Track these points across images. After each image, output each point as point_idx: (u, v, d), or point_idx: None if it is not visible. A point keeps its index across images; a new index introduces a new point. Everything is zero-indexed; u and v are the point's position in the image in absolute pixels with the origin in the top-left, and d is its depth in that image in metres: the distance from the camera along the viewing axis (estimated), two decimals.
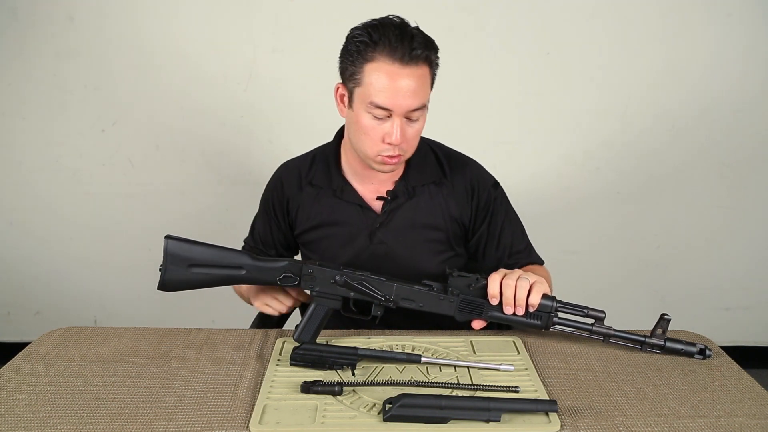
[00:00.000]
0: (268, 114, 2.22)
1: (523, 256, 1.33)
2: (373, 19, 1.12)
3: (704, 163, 2.29)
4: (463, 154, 1.35)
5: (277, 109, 2.22)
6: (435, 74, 1.15)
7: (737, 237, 2.38)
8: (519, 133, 2.27)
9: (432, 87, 1.16)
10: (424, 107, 1.13)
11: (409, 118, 1.12)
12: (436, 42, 1.13)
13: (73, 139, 2.24)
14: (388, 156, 1.14)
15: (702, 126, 2.25)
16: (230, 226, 2.32)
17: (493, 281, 1.07)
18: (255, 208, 1.40)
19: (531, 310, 1.07)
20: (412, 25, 1.12)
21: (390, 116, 1.11)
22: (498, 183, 1.34)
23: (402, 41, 1.07)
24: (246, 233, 1.44)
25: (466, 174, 1.30)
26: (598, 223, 2.36)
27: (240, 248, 1.38)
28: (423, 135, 1.34)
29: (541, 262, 1.35)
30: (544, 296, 1.07)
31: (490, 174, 1.34)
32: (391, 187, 1.27)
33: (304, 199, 1.30)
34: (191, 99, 2.21)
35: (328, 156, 1.30)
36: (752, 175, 2.31)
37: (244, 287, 1.27)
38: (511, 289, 1.06)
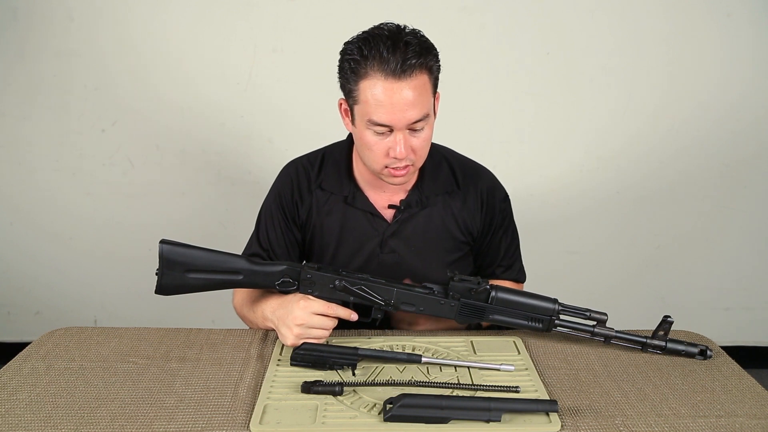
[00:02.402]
0: (268, 114, 2.22)
1: (506, 271, 1.34)
2: (364, 31, 1.08)
3: (704, 163, 2.29)
4: (476, 163, 1.34)
5: (277, 109, 2.22)
6: (437, 78, 1.12)
7: (737, 237, 2.38)
8: (518, 133, 2.27)
9: (435, 91, 1.13)
10: (427, 116, 1.09)
11: (412, 130, 1.09)
12: (437, 41, 1.12)
13: (73, 139, 2.24)
14: (395, 168, 1.13)
15: (702, 126, 2.25)
16: (230, 226, 2.33)
17: None
18: (255, 208, 1.37)
19: None
20: (411, 27, 1.08)
21: (392, 131, 1.08)
22: (508, 196, 1.33)
23: (395, 52, 1.03)
24: (246, 232, 1.37)
25: (478, 184, 1.29)
26: (598, 224, 2.36)
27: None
28: (434, 142, 1.35)
29: (521, 281, 1.37)
30: (546, 299, 1.07)
31: (501, 186, 1.33)
32: (404, 196, 1.25)
33: (314, 202, 1.27)
34: (191, 99, 2.21)
35: (338, 160, 1.27)
36: (752, 175, 2.31)
37: (258, 318, 1.16)
38: None
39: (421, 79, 1.06)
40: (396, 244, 1.25)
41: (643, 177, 2.31)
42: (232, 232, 2.29)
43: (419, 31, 1.10)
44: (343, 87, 1.12)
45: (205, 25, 2.13)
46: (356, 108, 1.10)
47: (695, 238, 2.38)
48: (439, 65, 1.11)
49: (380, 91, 1.04)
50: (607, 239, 2.38)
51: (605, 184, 2.31)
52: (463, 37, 2.14)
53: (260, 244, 1.29)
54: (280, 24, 2.13)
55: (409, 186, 1.26)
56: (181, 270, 1.03)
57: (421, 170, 1.26)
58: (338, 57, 1.11)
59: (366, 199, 1.25)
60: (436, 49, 1.10)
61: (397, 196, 1.25)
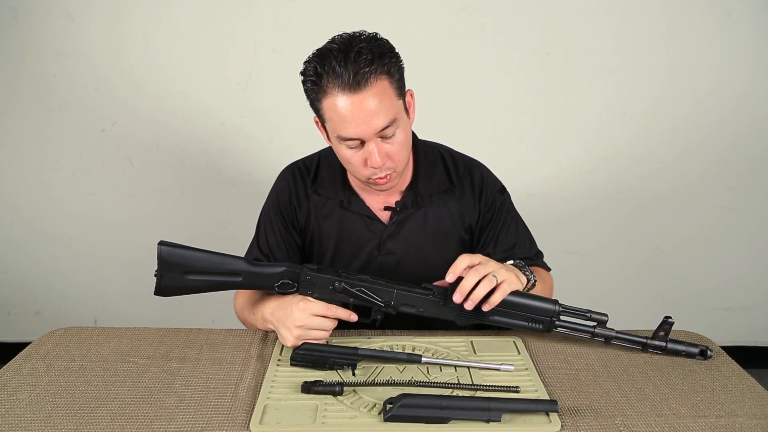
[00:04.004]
0: (267, 114, 2.23)
1: (531, 262, 1.29)
2: (318, 48, 1.08)
3: (704, 163, 2.29)
4: (471, 158, 1.33)
5: (277, 109, 2.22)
6: (400, 79, 1.09)
7: (737, 237, 2.38)
8: (518, 133, 2.27)
9: (402, 93, 1.11)
10: (395, 121, 1.07)
11: (383, 137, 1.08)
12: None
13: (73, 139, 2.24)
14: (378, 178, 1.13)
15: (702, 126, 2.25)
16: (230, 226, 2.33)
17: (461, 261, 1.00)
18: (254, 208, 1.37)
19: (485, 309, 1.01)
20: (367, 34, 1.07)
21: (363, 142, 1.08)
22: (505, 188, 1.33)
23: (346, 66, 1.01)
24: (246, 232, 1.38)
25: (473, 177, 1.29)
26: (598, 224, 2.36)
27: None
28: (434, 140, 1.34)
29: (548, 269, 1.34)
30: (547, 300, 1.06)
31: (497, 178, 1.33)
32: (399, 198, 1.25)
33: (312, 207, 1.27)
34: (191, 99, 2.21)
35: (333, 164, 1.27)
36: (752, 175, 2.31)
37: (258, 320, 1.16)
38: (471, 281, 0.99)
39: (380, 86, 1.04)
40: (394, 245, 1.25)
41: (643, 177, 2.31)
42: (232, 233, 2.29)
43: (375, 35, 1.08)
44: (311, 106, 1.12)
45: (205, 25, 2.13)
46: (326, 125, 1.11)
47: (695, 238, 2.38)
48: (400, 65, 1.09)
49: (341, 107, 1.04)
50: (607, 239, 2.38)
51: (605, 184, 2.31)
52: (463, 37, 2.14)
53: (260, 250, 1.30)
54: (280, 24, 2.13)
55: (404, 187, 1.26)
56: (180, 272, 1.02)
57: (416, 170, 1.26)
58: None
59: (362, 202, 1.25)
60: (392, 51, 1.08)
61: (393, 198, 1.26)
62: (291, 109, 2.21)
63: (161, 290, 1.04)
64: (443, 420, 0.87)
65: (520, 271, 1.10)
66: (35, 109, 2.20)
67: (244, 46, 2.15)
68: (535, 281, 1.12)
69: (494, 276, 1.00)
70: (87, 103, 2.20)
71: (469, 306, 1.01)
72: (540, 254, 1.34)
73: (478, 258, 1.02)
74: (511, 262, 1.12)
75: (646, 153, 2.28)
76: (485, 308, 1.01)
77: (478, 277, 0.99)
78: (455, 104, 2.18)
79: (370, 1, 2.08)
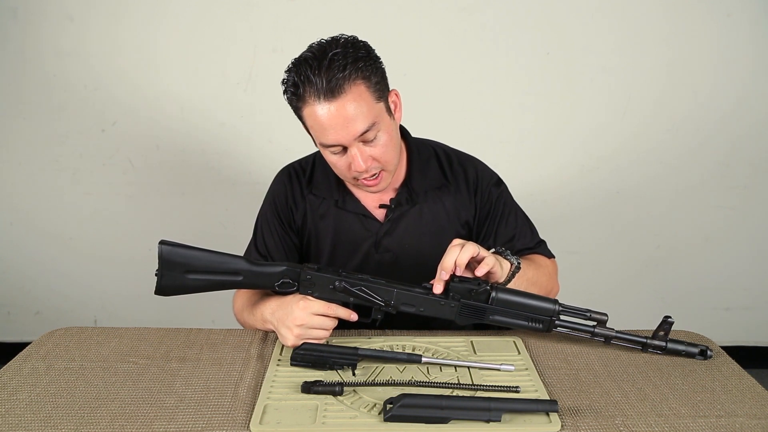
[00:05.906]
0: (267, 114, 2.22)
1: (531, 251, 1.29)
2: (295, 58, 1.09)
3: (704, 163, 2.29)
4: (466, 154, 1.33)
5: (277, 109, 2.18)
6: (378, 82, 1.08)
7: (737, 237, 2.38)
8: (518, 133, 2.27)
9: (382, 95, 1.09)
10: (374, 125, 1.07)
11: (365, 141, 1.09)
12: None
13: (73, 139, 2.24)
14: (365, 179, 1.13)
15: (702, 126, 2.25)
16: (230, 226, 2.33)
17: (449, 256, 1.02)
18: (254, 208, 1.37)
19: (457, 272, 1.01)
20: (345, 38, 1.07)
21: (346, 148, 1.09)
22: (501, 180, 1.33)
23: (320, 74, 1.03)
24: (246, 233, 1.37)
25: (468, 173, 1.29)
26: (598, 224, 2.36)
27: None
28: (434, 140, 1.34)
29: (550, 256, 1.32)
30: (546, 299, 1.06)
31: (492, 171, 1.33)
32: (393, 195, 1.26)
33: (309, 207, 1.28)
34: (191, 99, 2.21)
35: (327, 165, 1.26)
36: (752, 175, 2.31)
37: (258, 320, 1.16)
38: (447, 256, 1.01)
39: (356, 91, 1.05)
40: (390, 243, 1.26)
41: (643, 177, 2.31)
42: (232, 232, 2.29)
43: (353, 39, 1.08)
44: (295, 114, 1.13)
45: (205, 25, 2.14)
46: (310, 132, 1.13)
47: (695, 238, 2.38)
48: (377, 67, 1.09)
49: (319, 115, 1.05)
50: (607, 239, 2.38)
51: (605, 184, 2.31)
52: (463, 37, 2.14)
53: (258, 251, 1.30)
54: (280, 24, 2.13)
55: (398, 184, 1.26)
56: (181, 271, 1.02)
57: (409, 167, 1.26)
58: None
59: (357, 201, 1.26)
60: (368, 55, 1.07)
61: (387, 195, 1.26)
62: (291, 110, 2.22)
63: (162, 289, 1.04)
64: (443, 420, 0.87)
65: (501, 256, 1.10)
66: (35, 109, 2.20)
67: (244, 46, 2.16)
68: (519, 264, 1.10)
69: (460, 245, 1.01)
70: (87, 103, 2.20)
71: (445, 276, 1.01)
72: (542, 243, 1.33)
73: (459, 243, 1.03)
74: (493, 250, 1.10)
75: (646, 153, 2.28)
76: (457, 272, 1.01)
77: (455, 255, 1.01)
78: (455, 104, 2.18)
79: (370, 1, 2.08)
